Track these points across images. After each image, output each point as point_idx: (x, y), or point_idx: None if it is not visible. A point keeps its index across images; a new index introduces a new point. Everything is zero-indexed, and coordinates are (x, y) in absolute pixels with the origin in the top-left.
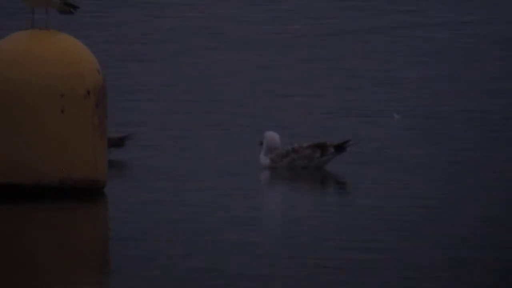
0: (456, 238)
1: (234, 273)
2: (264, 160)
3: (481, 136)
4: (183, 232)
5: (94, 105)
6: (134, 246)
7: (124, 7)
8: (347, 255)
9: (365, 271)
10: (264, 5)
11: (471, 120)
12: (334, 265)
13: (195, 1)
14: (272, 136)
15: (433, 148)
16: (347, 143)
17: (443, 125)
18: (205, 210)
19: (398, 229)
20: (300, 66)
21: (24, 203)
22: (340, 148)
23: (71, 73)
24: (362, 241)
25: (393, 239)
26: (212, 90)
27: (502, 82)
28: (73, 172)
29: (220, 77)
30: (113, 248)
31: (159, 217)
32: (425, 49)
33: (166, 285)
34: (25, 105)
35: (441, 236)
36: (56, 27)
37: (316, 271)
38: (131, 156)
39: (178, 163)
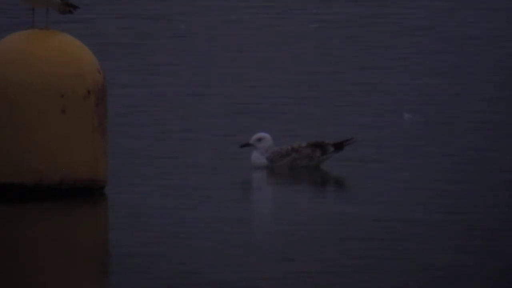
0: (453, 244)
1: (233, 276)
2: (260, 159)
3: (490, 140)
4: (182, 232)
5: (94, 105)
6: (134, 246)
7: None
8: (345, 259)
9: (361, 275)
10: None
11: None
12: (333, 267)
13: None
14: (268, 136)
15: (439, 150)
16: (347, 141)
17: (452, 126)
18: (205, 211)
19: (398, 233)
20: (303, 61)
21: (25, 203)
22: (339, 146)
23: (71, 73)
24: (358, 247)
25: (392, 241)
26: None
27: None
28: (74, 172)
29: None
30: (113, 248)
31: (159, 217)
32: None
33: (165, 285)
34: (26, 106)
35: (443, 240)
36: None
37: (313, 275)
38: (131, 156)
39: (177, 163)
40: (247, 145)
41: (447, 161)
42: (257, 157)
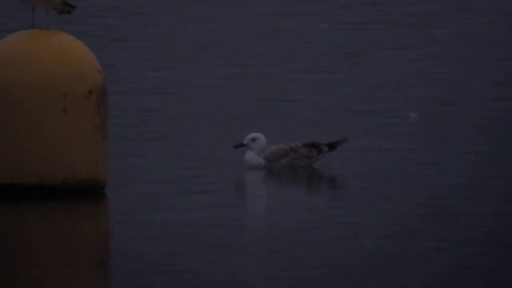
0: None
1: (232, 276)
2: (256, 159)
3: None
4: (182, 233)
5: (95, 104)
6: (134, 246)
7: None
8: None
9: (362, 276)
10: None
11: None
12: (335, 268)
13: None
14: (262, 136)
15: (441, 150)
16: (340, 142)
17: (456, 125)
18: (204, 211)
19: (398, 234)
20: (306, 59)
21: (26, 203)
22: (332, 147)
23: (72, 73)
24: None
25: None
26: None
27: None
28: (75, 172)
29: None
30: (113, 248)
31: (159, 217)
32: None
33: (165, 285)
34: (27, 106)
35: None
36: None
37: (313, 277)
38: (131, 157)
39: (175, 163)
40: (241, 145)
41: (448, 162)
42: (253, 157)
